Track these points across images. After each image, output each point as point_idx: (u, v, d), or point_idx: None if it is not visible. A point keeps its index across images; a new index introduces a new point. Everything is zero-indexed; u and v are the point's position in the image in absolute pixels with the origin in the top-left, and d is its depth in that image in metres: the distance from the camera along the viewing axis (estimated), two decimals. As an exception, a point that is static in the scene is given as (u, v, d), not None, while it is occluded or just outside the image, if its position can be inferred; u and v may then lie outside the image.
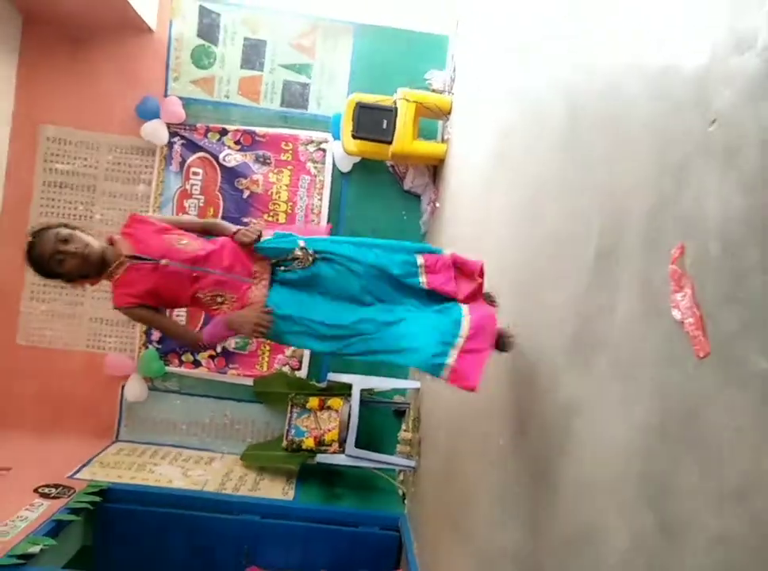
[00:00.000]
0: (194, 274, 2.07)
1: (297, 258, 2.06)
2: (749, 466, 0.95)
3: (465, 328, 1.96)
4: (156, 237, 2.13)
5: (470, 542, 2.44)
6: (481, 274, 2.14)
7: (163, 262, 2.06)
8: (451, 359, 1.94)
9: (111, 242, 2.14)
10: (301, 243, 2.08)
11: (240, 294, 2.07)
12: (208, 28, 4.47)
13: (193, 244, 2.13)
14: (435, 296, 2.08)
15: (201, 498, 3.83)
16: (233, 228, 2.18)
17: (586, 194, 1.70)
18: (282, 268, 2.08)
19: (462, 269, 2.12)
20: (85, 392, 4.50)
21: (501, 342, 2.06)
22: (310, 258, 2.06)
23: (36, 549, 3.00)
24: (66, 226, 2.09)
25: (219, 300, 2.09)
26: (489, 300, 2.21)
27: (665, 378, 1.21)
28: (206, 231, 2.29)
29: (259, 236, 2.09)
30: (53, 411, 4.45)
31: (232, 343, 4.48)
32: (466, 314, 2.00)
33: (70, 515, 3.39)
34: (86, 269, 2.08)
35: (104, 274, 2.12)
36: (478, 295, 2.12)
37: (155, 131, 4.37)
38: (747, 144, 1.03)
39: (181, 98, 4.42)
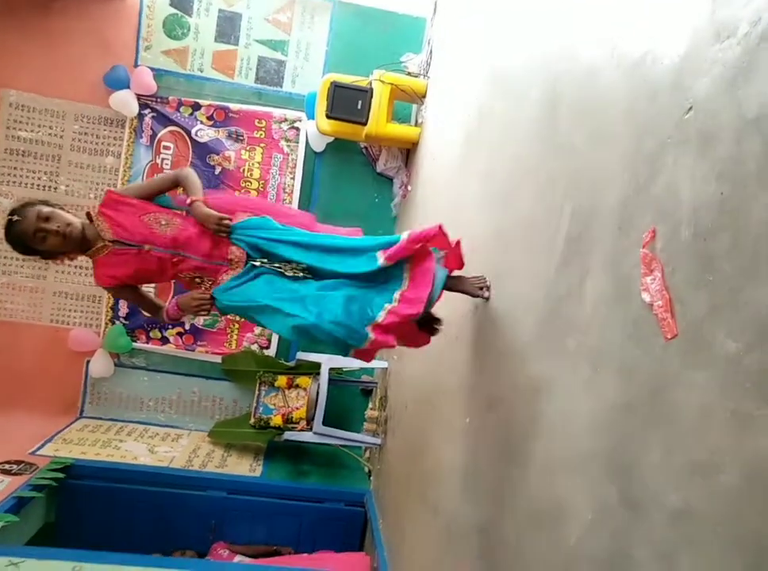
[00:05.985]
0: (175, 259, 2.12)
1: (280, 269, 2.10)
2: (712, 444, 0.98)
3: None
4: (136, 220, 2.13)
5: (436, 516, 2.48)
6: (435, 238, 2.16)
7: (147, 247, 2.11)
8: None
9: (89, 217, 2.15)
10: (288, 268, 2.09)
11: (217, 277, 2.14)
12: (181, -4, 4.34)
13: (172, 224, 2.14)
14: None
15: (168, 474, 3.81)
16: (198, 197, 2.15)
17: (560, 179, 1.71)
18: (260, 263, 2.11)
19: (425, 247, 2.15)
20: (48, 367, 4.41)
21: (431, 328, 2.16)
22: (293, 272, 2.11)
23: None
24: (46, 204, 2.11)
25: (197, 281, 2.17)
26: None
27: (632, 359, 1.23)
28: (177, 185, 2.26)
29: (229, 227, 2.10)
30: (15, 386, 4.34)
31: (200, 321, 4.45)
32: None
33: (32, 492, 3.33)
34: (67, 247, 2.12)
35: (85, 253, 2.15)
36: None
37: (125, 101, 4.26)
38: (722, 132, 1.05)
39: (152, 69, 4.32)
